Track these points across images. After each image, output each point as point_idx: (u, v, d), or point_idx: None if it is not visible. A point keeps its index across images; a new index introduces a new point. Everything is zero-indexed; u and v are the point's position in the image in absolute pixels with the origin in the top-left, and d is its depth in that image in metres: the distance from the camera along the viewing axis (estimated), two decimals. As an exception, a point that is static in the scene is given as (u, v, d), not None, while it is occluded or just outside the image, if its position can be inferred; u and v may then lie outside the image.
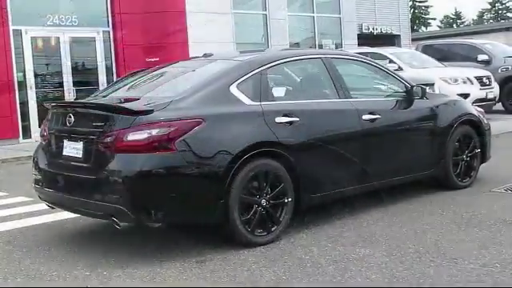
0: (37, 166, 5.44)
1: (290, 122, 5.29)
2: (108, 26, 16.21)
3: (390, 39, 29.89)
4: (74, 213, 5.47)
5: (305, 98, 5.77)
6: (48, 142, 5.39)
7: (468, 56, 17.00)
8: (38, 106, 14.75)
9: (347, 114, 5.79)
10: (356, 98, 5.99)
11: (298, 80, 5.99)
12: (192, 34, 16.93)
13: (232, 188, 4.86)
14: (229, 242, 5.01)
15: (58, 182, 5.21)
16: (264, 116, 5.16)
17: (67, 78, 15.37)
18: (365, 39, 26.00)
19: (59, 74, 15.38)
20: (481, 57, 16.62)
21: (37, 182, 5.47)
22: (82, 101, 5.60)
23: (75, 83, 15.49)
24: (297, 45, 20.51)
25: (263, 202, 5.09)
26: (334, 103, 5.78)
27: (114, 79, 16.16)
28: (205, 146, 4.80)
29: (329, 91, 5.86)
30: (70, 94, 15.30)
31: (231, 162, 4.84)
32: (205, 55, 6.03)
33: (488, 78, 14.67)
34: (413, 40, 31.94)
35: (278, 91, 5.54)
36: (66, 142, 5.16)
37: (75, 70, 15.68)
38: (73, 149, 5.06)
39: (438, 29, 66.45)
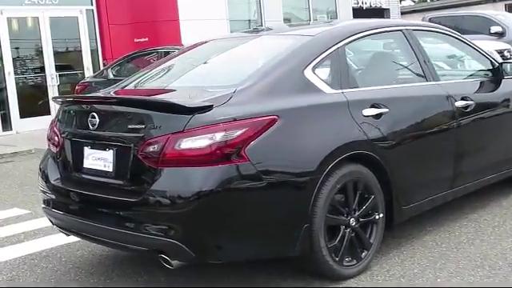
0: (46, 182, 4.12)
1: (379, 115, 4.05)
2: (92, 4, 14.79)
3: (379, 13, 28.79)
4: (103, 245, 4.18)
5: (390, 82, 4.51)
6: (60, 149, 4.06)
7: (479, 28, 15.87)
8: (18, 94, 13.32)
9: (439, 100, 4.56)
10: (445, 80, 4.75)
11: (379, 59, 4.70)
12: (183, 10, 15.52)
13: (316, 207, 3.62)
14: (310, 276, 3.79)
15: (77, 203, 3.90)
16: (349, 108, 3.90)
17: (49, 63, 13.97)
18: (354, 15, 24.94)
19: (40, 57, 13.98)
20: (494, 28, 15.54)
21: (47, 202, 4.16)
22: (110, 95, 4.26)
23: (58, 68, 14.13)
24: (288, 21, 19.30)
25: (352, 221, 3.86)
26: (423, 88, 4.54)
27: (100, 62, 14.78)
28: (281, 152, 3.55)
29: (414, 72, 4.62)
30: (52, 79, 13.95)
31: (315, 172, 3.59)
32: (255, 30, 4.71)
33: (509, 51, 13.64)
34: (402, 14, 30.88)
35: (360, 74, 4.27)
36: (87, 151, 3.85)
37: (57, 53, 14.28)
38: (98, 160, 3.76)
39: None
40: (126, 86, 4.47)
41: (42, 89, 13.94)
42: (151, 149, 3.41)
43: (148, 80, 4.48)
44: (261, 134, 3.43)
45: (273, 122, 3.49)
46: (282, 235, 3.56)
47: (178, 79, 4.36)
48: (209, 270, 4.02)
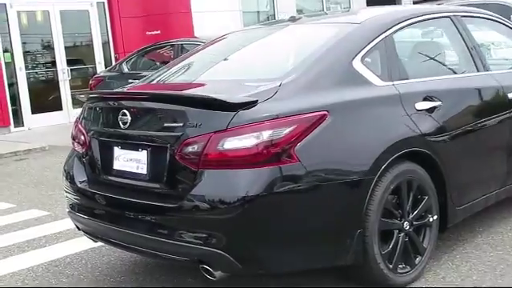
0: (72, 184, 3.82)
1: (432, 109, 3.72)
2: (102, -3, 14.44)
3: (392, 2, 28.37)
4: (135, 253, 3.88)
5: (440, 72, 4.16)
6: (87, 149, 3.75)
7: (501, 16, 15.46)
8: (29, 89, 13.05)
9: (492, 92, 4.23)
10: (496, 69, 4.41)
11: (428, 48, 4.36)
12: (195, 2, 15.19)
13: (370, 210, 3.30)
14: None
15: (106, 208, 3.60)
16: (402, 102, 3.58)
17: (60, 57, 13.67)
18: (368, 3, 24.56)
19: (51, 52, 13.67)
20: (515, 17, 15.11)
21: (73, 206, 3.86)
22: (143, 91, 3.94)
23: (69, 62, 13.83)
24: (300, 12, 18.95)
25: (405, 225, 3.54)
26: (475, 78, 4.20)
27: (112, 56, 14.48)
28: (333, 151, 3.23)
29: (464, 62, 4.28)
30: (64, 73, 13.67)
31: (369, 173, 3.27)
32: (292, 18, 4.38)
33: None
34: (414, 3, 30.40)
35: (409, 65, 3.94)
36: (117, 151, 3.54)
37: (68, 47, 13.97)
38: (130, 161, 3.45)
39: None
40: (154, 80, 4.15)
41: (53, 84, 13.65)
42: (190, 149, 3.10)
43: (178, 74, 4.16)
44: (311, 131, 3.12)
45: (323, 118, 3.17)
46: (334, 243, 3.24)
47: (211, 73, 4.04)
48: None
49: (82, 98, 3.93)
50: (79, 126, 3.86)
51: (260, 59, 4.02)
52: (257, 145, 3.00)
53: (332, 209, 3.19)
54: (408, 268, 3.58)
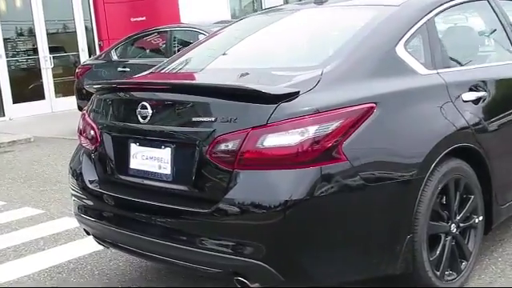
0: (80, 185, 3.43)
1: (478, 100, 3.40)
2: (85, -19, 13.90)
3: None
4: (156, 262, 3.51)
5: (483, 60, 3.85)
6: (97, 145, 3.36)
7: None
8: (10, 78, 12.52)
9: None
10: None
11: (467, 33, 4.02)
12: (182, -14, 14.71)
13: (419, 213, 2.97)
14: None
15: (121, 211, 3.22)
16: (448, 92, 3.25)
17: (42, 44, 13.12)
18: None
19: (32, 39, 13.12)
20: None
21: (81, 208, 3.47)
22: (167, 80, 3.53)
23: (52, 49, 13.24)
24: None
25: (453, 227, 3.22)
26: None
27: (96, 43, 13.98)
28: (381, 148, 2.89)
29: (504, 48, 3.95)
30: (46, 61, 13.12)
31: (420, 171, 2.94)
32: (318, 0, 4.01)
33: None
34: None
35: (451, 51, 3.60)
36: (135, 148, 3.16)
37: (50, 34, 13.41)
38: (150, 159, 3.07)
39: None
40: (169, 69, 3.76)
41: (35, 72, 13.11)
42: (224, 147, 2.74)
43: (195, 62, 3.78)
44: (358, 126, 2.77)
45: (371, 110, 2.83)
46: (384, 250, 2.91)
47: (237, 60, 3.66)
48: None
49: (95, 88, 3.52)
50: (87, 119, 3.48)
51: (292, 45, 3.65)
52: (301, 142, 2.65)
53: (382, 212, 2.86)
54: (454, 274, 3.27)
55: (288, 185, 2.66)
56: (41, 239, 4.68)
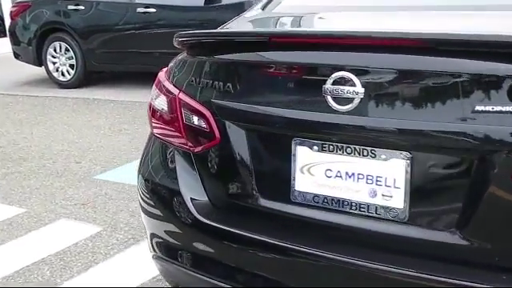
0: (180, 212, 1.96)
1: None
2: None
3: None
4: None
5: None
6: (215, 145, 1.88)
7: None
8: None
9: None
10: None
11: None
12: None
13: None
14: None
15: (274, 268, 1.80)
16: None
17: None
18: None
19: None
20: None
21: (176, 252, 2.01)
22: (407, 35, 1.79)
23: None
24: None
25: None
26: None
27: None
28: None
29: None
30: None
31: None
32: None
33: None
34: None
35: None
36: (308, 155, 1.72)
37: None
38: (349, 178, 1.65)
39: None
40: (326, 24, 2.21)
41: None
42: None
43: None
44: None
45: None
46: None
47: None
48: None
49: (209, 42, 1.96)
50: (187, 99, 1.96)
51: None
52: None
53: None
54: None
55: None
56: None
